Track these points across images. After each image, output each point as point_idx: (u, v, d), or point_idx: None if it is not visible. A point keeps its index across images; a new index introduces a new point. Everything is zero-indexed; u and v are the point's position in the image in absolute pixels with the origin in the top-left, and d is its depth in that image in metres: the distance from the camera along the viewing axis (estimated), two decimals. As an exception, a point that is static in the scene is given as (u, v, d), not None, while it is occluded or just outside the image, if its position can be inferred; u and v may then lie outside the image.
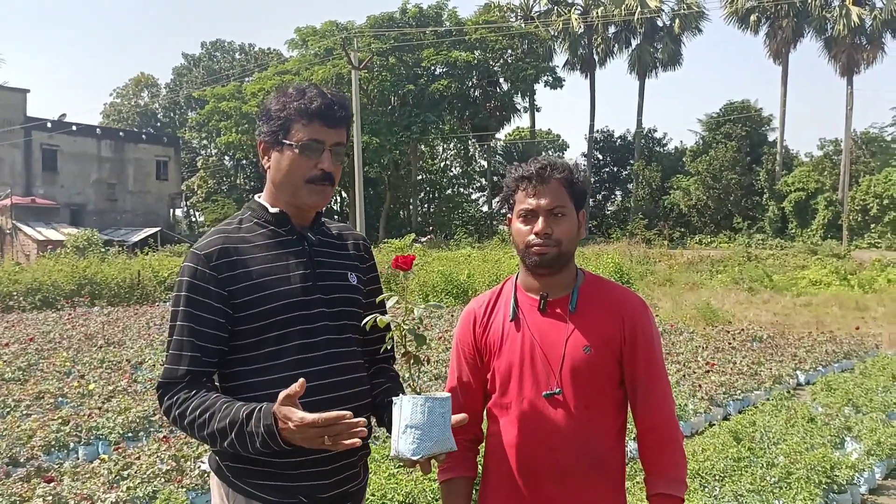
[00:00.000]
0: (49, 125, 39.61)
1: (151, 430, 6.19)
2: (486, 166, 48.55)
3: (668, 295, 19.06)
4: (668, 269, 26.72)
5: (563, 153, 51.45)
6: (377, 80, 39.31)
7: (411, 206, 46.01)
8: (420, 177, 46.31)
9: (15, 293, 17.08)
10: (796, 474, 4.63)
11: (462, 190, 50.13)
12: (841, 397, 7.20)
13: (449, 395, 1.78)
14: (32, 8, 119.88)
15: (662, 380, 1.97)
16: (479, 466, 2.09)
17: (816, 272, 24.84)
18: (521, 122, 49.85)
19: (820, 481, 4.61)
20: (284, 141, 1.91)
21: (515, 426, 1.94)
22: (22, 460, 5.28)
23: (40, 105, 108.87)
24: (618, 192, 48.30)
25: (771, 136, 41.76)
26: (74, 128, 40.60)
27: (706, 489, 4.66)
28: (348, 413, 1.67)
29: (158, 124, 59.12)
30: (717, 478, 4.77)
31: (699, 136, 43.00)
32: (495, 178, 45.89)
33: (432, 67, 41.37)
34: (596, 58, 45.26)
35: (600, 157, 47.72)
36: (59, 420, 6.12)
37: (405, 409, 1.70)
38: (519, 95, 44.71)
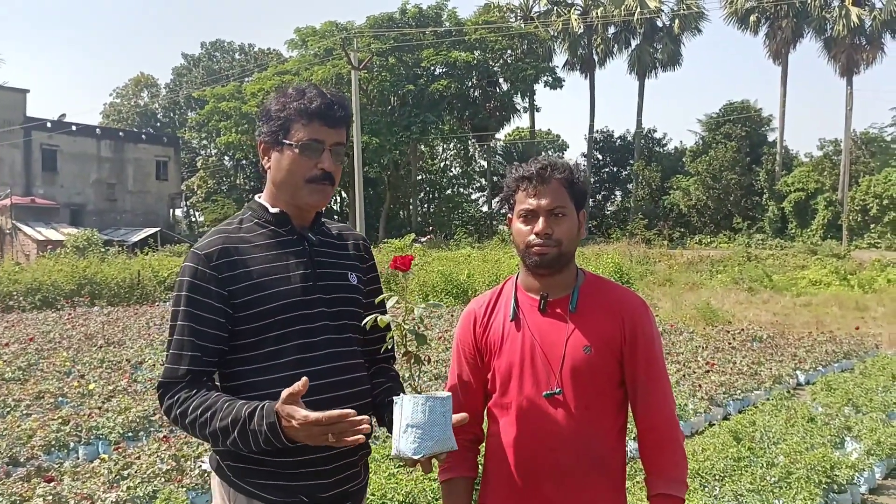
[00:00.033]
0: (49, 125, 39.60)
1: (151, 429, 6.19)
2: (485, 166, 48.56)
3: (668, 295, 19.07)
4: (668, 269, 26.73)
5: (563, 153, 51.47)
6: (377, 80, 39.32)
7: (411, 206, 46.02)
8: (420, 177, 46.33)
9: (15, 293, 17.09)
10: (796, 474, 4.63)
11: (462, 190, 50.15)
12: (841, 397, 7.20)
13: (450, 394, 1.78)
14: (32, 8, 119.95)
15: (663, 380, 1.97)
16: (480, 466, 2.10)
17: (816, 272, 24.85)
18: (521, 122, 49.95)
19: (820, 481, 4.61)
20: (284, 141, 1.92)
21: (515, 426, 1.94)
22: (22, 460, 5.28)
23: (40, 105, 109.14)
24: (617, 193, 48.31)
25: (771, 137, 41.80)
26: (74, 128, 40.61)
27: (706, 489, 4.66)
28: (352, 411, 1.68)
29: (158, 124, 59.11)
30: (717, 477, 4.78)
31: (699, 137, 43.05)
32: (495, 179, 45.90)
33: (432, 68, 41.38)
34: (595, 58, 45.28)
35: (600, 157, 47.73)
36: (60, 420, 6.12)
37: (406, 408, 1.70)
38: (519, 95, 44.73)
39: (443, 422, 1.71)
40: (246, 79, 46.85)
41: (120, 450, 5.35)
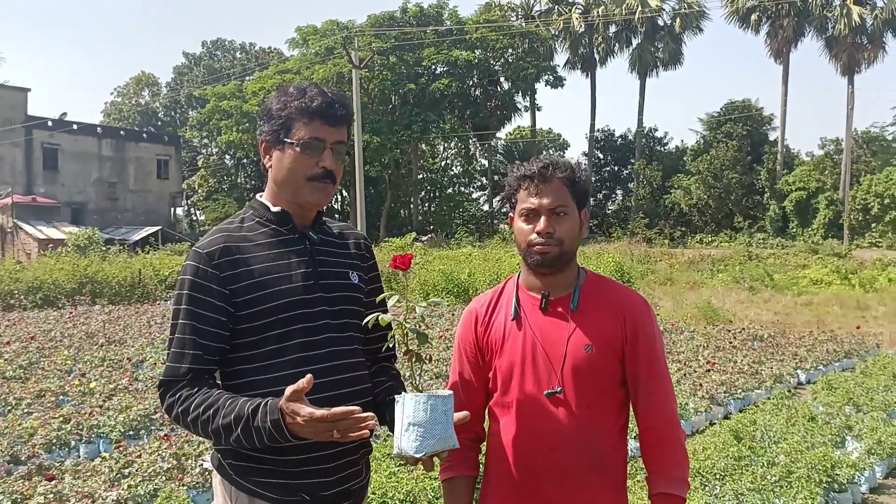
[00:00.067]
0: (50, 124, 39.62)
1: (152, 428, 6.19)
2: (486, 165, 48.56)
3: (669, 294, 19.06)
4: (669, 268, 26.72)
5: (564, 152, 51.49)
6: (378, 79, 39.32)
7: (412, 205, 46.04)
8: (421, 176, 46.34)
9: (16, 292, 17.11)
10: (797, 473, 4.63)
11: (463, 189, 50.15)
12: (842, 396, 7.19)
13: (451, 392, 1.78)
14: (32, 8, 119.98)
15: (664, 379, 1.97)
16: (481, 466, 2.10)
17: (817, 271, 24.83)
18: (522, 121, 49.93)
19: (820, 480, 4.61)
20: (286, 140, 1.92)
21: (516, 425, 1.94)
22: (23, 458, 5.28)
23: (41, 104, 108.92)
24: (618, 192, 48.30)
25: (772, 136, 41.79)
26: (75, 127, 40.61)
27: (707, 488, 4.66)
28: (357, 408, 1.69)
29: (159, 123, 59.13)
30: (717, 477, 4.78)
31: (700, 136, 43.05)
32: (496, 178, 45.92)
33: (433, 66, 41.37)
34: (597, 57, 45.27)
35: (601, 156, 47.71)
36: (61, 418, 6.12)
37: (408, 406, 1.71)
38: (520, 94, 44.71)
39: (444, 420, 1.71)
40: (247, 78, 46.89)
41: (121, 448, 5.36)
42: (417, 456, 1.70)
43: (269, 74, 42.82)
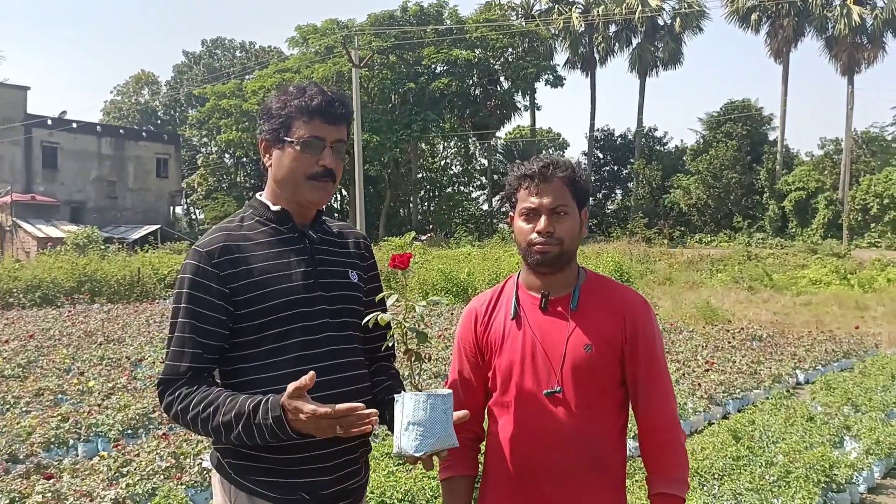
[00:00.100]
0: (49, 122, 39.59)
1: (151, 427, 6.19)
2: (486, 165, 48.55)
3: (668, 294, 19.07)
4: (668, 267, 26.74)
5: (564, 152, 51.43)
6: (378, 78, 39.32)
7: (411, 205, 46.03)
8: (420, 175, 46.32)
9: (15, 290, 17.10)
10: (795, 473, 4.64)
11: (462, 188, 50.16)
12: (840, 396, 7.20)
13: (450, 391, 1.78)
14: (32, 7, 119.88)
15: (664, 379, 1.97)
16: (481, 465, 2.09)
17: (816, 271, 24.85)
18: (522, 120, 49.96)
19: (819, 480, 4.61)
20: (285, 138, 1.92)
21: (516, 425, 1.94)
22: (21, 457, 5.27)
23: (41, 103, 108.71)
24: (618, 191, 48.33)
25: (771, 136, 41.81)
26: (75, 125, 40.57)
27: (705, 488, 4.66)
28: (361, 405, 1.70)
29: (159, 122, 59.09)
30: (716, 476, 4.78)
31: (700, 135, 43.06)
32: (496, 177, 45.92)
33: (433, 66, 41.37)
34: (597, 56, 45.28)
35: (601, 155, 47.73)
36: (59, 417, 6.12)
37: (407, 405, 1.71)
38: (519, 94, 44.74)
39: (444, 419, 1.71)
40: (247, 76, 46.91)
41: (119, 447, 5.35)
42: (417, 455, 1.70)
43: (269, 73, 42.82)
